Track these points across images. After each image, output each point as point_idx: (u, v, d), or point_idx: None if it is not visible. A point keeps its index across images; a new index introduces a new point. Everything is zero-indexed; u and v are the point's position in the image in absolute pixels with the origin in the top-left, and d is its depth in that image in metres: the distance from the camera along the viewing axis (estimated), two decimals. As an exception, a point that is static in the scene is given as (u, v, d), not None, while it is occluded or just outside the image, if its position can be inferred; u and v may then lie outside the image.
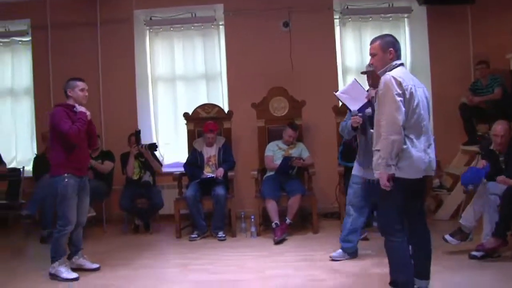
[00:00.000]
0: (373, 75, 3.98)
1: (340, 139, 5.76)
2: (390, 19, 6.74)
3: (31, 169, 6.33)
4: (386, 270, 3.33)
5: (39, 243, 5.44)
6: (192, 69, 6.89)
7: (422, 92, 3.12)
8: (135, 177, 5.86)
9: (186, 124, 6.22)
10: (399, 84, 2.97)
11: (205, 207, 5.56)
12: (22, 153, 7.08)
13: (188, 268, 4.35)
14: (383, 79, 3.04)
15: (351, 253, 4.37)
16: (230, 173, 5.69)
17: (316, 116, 6.23)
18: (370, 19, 6.71)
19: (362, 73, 4.35)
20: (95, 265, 4.38)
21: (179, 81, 6.93)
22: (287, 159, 5.51)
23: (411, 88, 3.00)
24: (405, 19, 6.78)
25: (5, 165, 6.25)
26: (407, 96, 2.98)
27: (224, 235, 5.37)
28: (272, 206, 5.27)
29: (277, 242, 5.05)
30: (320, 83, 6.34)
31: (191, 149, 5.91)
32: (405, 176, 3.00)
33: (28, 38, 6.97)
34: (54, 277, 4.08)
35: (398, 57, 3.20)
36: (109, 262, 4.58)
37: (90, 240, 5.34)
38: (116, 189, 6.13)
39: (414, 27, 6.74)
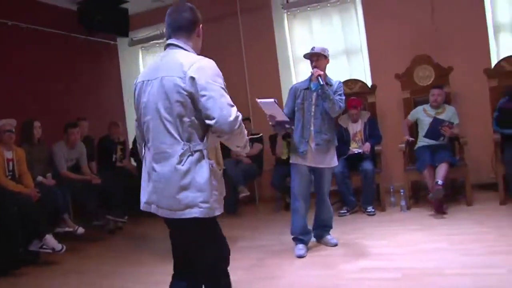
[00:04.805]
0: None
1: (494, 105, 5.37)
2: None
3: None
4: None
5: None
6: (332, 46, 6.84)
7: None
8: (284, 157, 6.05)
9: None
10: None
11: (354, 183, 5.62)
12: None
13: (341, 243, 4.41)
14: None
15: None
16: (377, 148, 5.65)
17: (465, 81, 5.81)
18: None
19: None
20: None
21: (320, 59, 6.96)
22: (437, 121, 5.27)
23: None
24: None
25: None
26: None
27: (373, 210, 5.39)
28: (429, 172, 5.06)
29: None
30: (468, 44, 5.89)
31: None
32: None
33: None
34: None
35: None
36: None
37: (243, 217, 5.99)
38: (266, 170, 6.45)
39: None
